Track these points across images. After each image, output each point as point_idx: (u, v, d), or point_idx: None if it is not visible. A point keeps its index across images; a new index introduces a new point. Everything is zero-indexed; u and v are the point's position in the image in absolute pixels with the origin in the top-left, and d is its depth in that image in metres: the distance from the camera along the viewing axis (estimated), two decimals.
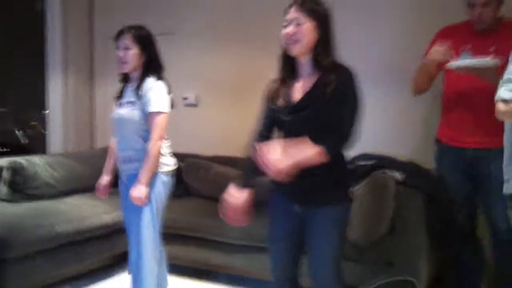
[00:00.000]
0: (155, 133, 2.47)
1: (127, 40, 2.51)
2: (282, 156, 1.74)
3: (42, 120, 4.58)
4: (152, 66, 2.56)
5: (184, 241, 3.26)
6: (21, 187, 3.40)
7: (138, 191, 2.45)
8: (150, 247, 2.54)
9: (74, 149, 4.43)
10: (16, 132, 4.71)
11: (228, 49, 4.01)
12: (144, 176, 2.45)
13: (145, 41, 2.55)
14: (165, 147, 2.60)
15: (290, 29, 1.84)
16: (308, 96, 1.86)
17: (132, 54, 2.52)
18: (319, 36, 1.84)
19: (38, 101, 4.56)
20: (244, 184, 2.02)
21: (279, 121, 1.97)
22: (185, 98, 4.16)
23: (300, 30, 1.82)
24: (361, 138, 3.03)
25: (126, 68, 2.56)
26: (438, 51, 2.40)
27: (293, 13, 1.85)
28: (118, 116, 2.59)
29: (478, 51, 2.45)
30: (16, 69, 4.65)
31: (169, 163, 2.62)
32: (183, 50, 4.16)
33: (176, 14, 4.19)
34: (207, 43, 4.10)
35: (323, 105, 1.82)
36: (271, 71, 3.71)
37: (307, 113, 1.84)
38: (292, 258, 2.07)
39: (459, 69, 2.31)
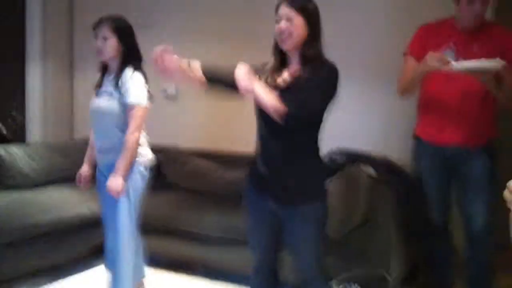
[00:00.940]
0: (133, 124, 2.48)
1: (106, 30, 2.52)
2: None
3: (22, 110, 4.54)
4: (130, 56, 2.57)
5: (162, 233, 3.28)
6: None
7: (115, 182, 2.46)
8: (126, 238, 2.56)
9: (53, 139, 4.41)
10: None
11: (209, 42, 4.02)
12: (121, 167, 2.46)
13: (124, 32, 2.55)
14: (143, 138, 2.61)
15: (282, 24, 1.90)
16: (291, 84, 1.91)
17: (109, 44, 2.52)
18: (308, 32, 1.91)
19: (17, 91, 4.52)
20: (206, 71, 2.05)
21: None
22: (165, 90, 4.16)
23: (291, 26, 1.89)
24: (337, 134, 3.08)
25: (103, 57, 2.56)
26: (435, 58, 2.34)
27: (284, 9, 1.91)
28: (96, 106, 2.59)
29: (462, 50, 2.48)
30: None
31: (146, 155, 2.63)
32: (162, 42, 4.14)
33: (157, 6, 4.18)
34: (188, 36, 4.09)
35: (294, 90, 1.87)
36: (253, 63, 3.74)
37: (286, 98, 1.86)
38: (270, 250, 2.12)
39: (462, 70, 2.30)
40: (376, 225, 2.69)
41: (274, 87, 1.94)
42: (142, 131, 2.59)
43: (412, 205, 2.69)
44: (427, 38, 2.62)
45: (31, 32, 4.37)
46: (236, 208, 3.03)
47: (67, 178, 3.39)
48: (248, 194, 2.09)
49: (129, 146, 2.47)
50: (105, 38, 2.52)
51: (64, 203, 3.25)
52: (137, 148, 2.53)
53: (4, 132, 4.62)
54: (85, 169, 2.79)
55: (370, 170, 2.73)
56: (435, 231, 2.72)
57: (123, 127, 2.52)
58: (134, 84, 2.51)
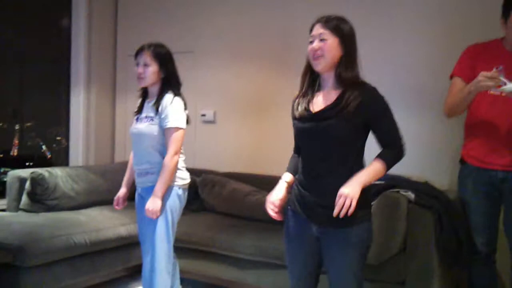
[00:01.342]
0: (172, 148, 2.52)
1: (147, 56, 2.59)
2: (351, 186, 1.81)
3: (66, 135, 4.70)
4: (170, 82, 2.63)
5: (197, 255, 3.28)
6: (41, 197, 3.49)
7: (153, 204, 2.50)
8: (163, 259, 2.57)
9: (95, 163, 4.53)
10: (41, 146, 4.84)
11: (246, 67, 4.08)
12: (159, 189, 2.51)
13: (164, 58, 2.62)
14: (181, 161, 2.65)
15: (315, 44, 1.89)
16: (330, 108, 1.89)
17: (150, 70, 2.59)
18: (343, 53, 1.88)
19: (62, 117, 4.70)
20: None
21: (297, 129, 2.01)
22: (203, 115, 4.24)
23: (324, 46, 1.87)
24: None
25: (144, 83, 2.63)
26: (488, 76, 2.27)
27: (317, 30, 1.90)
28: (136, 130, 2.66)
29: (510, 71, 2.38)
30: (42, 84, 4.79)
31: (184, 177, 2.66)
32: (201, 68, 4.26)
33: (195, 33, 4.29)
34: (225, 61, 4.18)
35: (344, 119, 1.85)
36: (288, 89, 3.75)
37: (328, 123, 1.87)
38: (309, 276, 2.05)
39: None
40: (415, 251, 2.61)
41: (310, 115, 1.93)
42: (180, 154, 2.63)
43: (452, 231, 2.60)
44: (475, 59, 2.56)
45: (76, 59, 4.55)
46: (273, 231, 3.03)
47: (107, 200, 3.46)
48: (288, 219, 2.06)
49: (168, 169, 2.51)
50: (146, 65, 2.59)
51: (102, 223, 3.30)
52: (175, 171, 2.56)
53: (49, 155, 4.80)
54: (122, 192, 2.84)
55: (409, 194, 2.66)
56: (477, 258, 2.62)
57: (162, 150, 2.57)
58: (174, 109, 2.56)
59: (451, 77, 2.66)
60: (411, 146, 3.33)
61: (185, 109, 2.64)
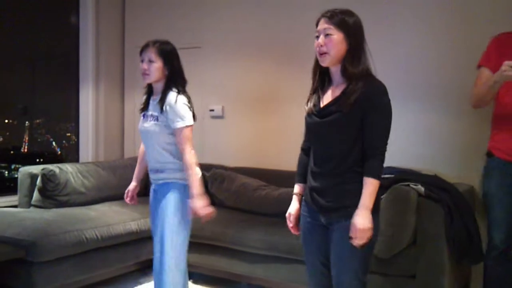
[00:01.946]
0: (187, 146, 2.50)
1: (151, 53, 2.58)
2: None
3: (76, 131, 4.73)
4: (175, 79, 2.61)
5: (207, 249, 3.30)
6: (52, 193, 3.53)
7: (199, 203, 2.47)
8: (174, 256, 2.57)
9: (105, 159, 4.56)
10: (51, 142, 4.87)
11: (254, 62, 4.08)
12: (194, 187, 2.47)
13: (169, 55, 2.60)
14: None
15: (319, 40, 1.89)
16: (334, 102, 1.89)
17: (155, 67, 2.58)
18: (349, 47, 1.87)
19: (72, 113, 4.72)
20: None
21: (305, 125, 2.02)
22: (212, 110, 4.24)
23: (329, 41, 1.86)
24: (388, 152, 3.00)
25: (149, 80, 2.62)
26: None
27: (322, 25, 1.89)
28: (143, 128, 2.65)
29: None
30: (51, 81, 4.82)
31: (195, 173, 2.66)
32: (209, 63, 4.25)
33: (203, 28, 4.29)
34: (233, 56, 4.17)
35: (347, 112, 1.84)
36: (296, 84, 3.75)
37: (332, 118, 1.88)
38: (323, 266, 2.04)
39: None
40: (426, 244, 2.60)
41: (317, 111, 1.94)
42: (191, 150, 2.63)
43: (463, 223, 2.59)
44: (503, 48, 2.51)
45: (84, 55, 4.57)
46: (282, 226, 3.02)
47: (117, 195, 3.48)
48: (302, 209, 2.08)
49: (191, 167, 2.48)
50: (150, 61, 2.58)
51: (113, 219, 3.32)
52: (195, 163, 2.53)
53: (59, 151, 4.83)
54: (132, 186, 2.85)
55: (419, 188, 2.65)
56: (494, 253, 2.58)
57: (170, 149, 2.56)
58: (179, 108, 2.53)
59: (478, 67, 2.61)
60: (421, 139, 3.36)
61: (190, 105, 2.63)
